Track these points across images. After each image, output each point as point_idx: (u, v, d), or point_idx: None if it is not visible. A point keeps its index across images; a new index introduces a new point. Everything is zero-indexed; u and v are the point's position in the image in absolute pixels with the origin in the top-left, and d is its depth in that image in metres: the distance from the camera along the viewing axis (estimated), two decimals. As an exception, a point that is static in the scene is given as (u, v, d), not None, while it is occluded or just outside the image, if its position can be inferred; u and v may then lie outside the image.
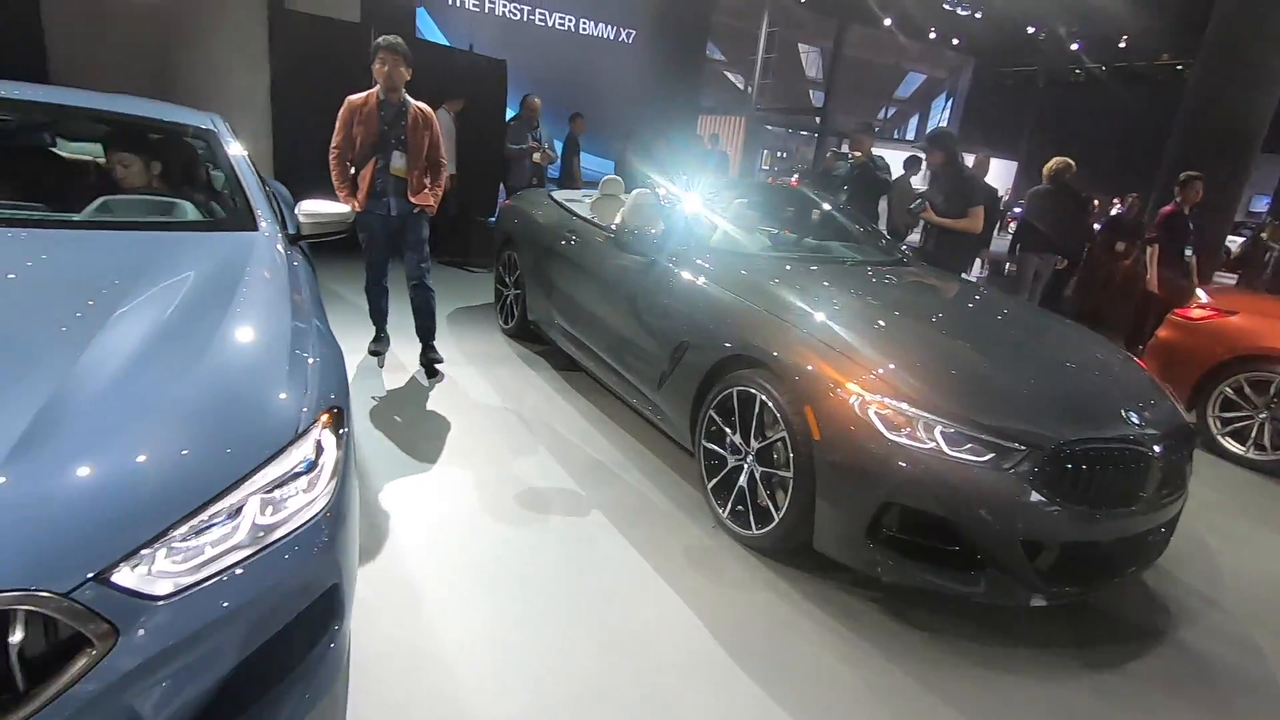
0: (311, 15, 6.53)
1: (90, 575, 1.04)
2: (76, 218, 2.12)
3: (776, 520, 2.43)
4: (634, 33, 16.45)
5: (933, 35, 21.44)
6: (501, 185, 7.32)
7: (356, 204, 3.51)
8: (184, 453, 1.24)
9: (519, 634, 2.01)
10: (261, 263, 2.00)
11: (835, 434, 2.22)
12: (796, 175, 12.86)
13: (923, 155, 6.33)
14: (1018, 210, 12.73)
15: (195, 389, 1.36)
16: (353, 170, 3.57)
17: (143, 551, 1.11)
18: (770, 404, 2.44)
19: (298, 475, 1.33)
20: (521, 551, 2.40)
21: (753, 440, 2.55)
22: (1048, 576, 2.15)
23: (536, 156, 6.92)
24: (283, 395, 1.44)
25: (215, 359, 1.47)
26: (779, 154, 24.49)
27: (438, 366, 3.86)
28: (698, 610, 2.20)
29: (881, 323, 2.68)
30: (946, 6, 18.48)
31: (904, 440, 2.11)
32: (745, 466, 2.60)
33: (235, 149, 2.64)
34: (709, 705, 1.86)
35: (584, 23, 16.52)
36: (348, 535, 1.44)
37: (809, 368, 2.36)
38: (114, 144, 2.56)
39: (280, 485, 1.30)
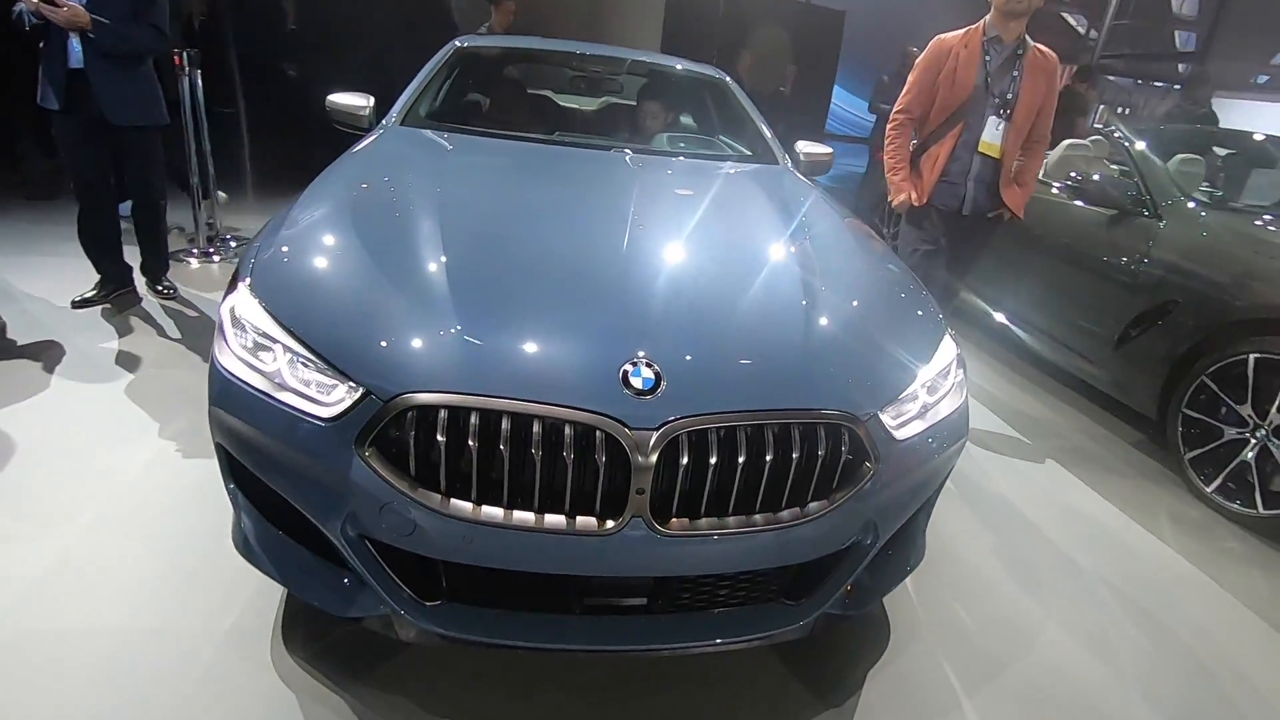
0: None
1: (874, 412, 1.35)
2: (655, 146, 2.61)
3: (1306, 503, 2.21)
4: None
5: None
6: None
7: (914, 195, 2.56)
8: (898, 344, 1.51)
9: (1025, 600, 1.92)
10: (815, 190, 2.29)
11: None
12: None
13: None
14: None
15: (884, 303, 1.63)
16: (912, 144, 2.62)
17: (885, 408, 1.39)
18: (1315, 375, 2.20)
19: (942, 374, 1.55)
20: (985, 485, 2.48)
21: (1274, 413, 2.32)
22: None
23: None
24: (928, 305, 1.68)
25: (875, 272, 1.73)
26: (1119, 109, 20.76)
27: None
28: (1235, 592, 2.06)
29: None
30: None
31: None
32: (1254, 440, 2.39)
33: (744, 97, 3.00)
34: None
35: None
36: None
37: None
38: (652, 92, 3.05)
39: (934, 380, 1.52)
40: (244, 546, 1.40)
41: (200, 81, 3.75)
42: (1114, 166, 3.40)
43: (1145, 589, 2.03)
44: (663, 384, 1.21)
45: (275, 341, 1.27)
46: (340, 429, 1.19)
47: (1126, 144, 3.24)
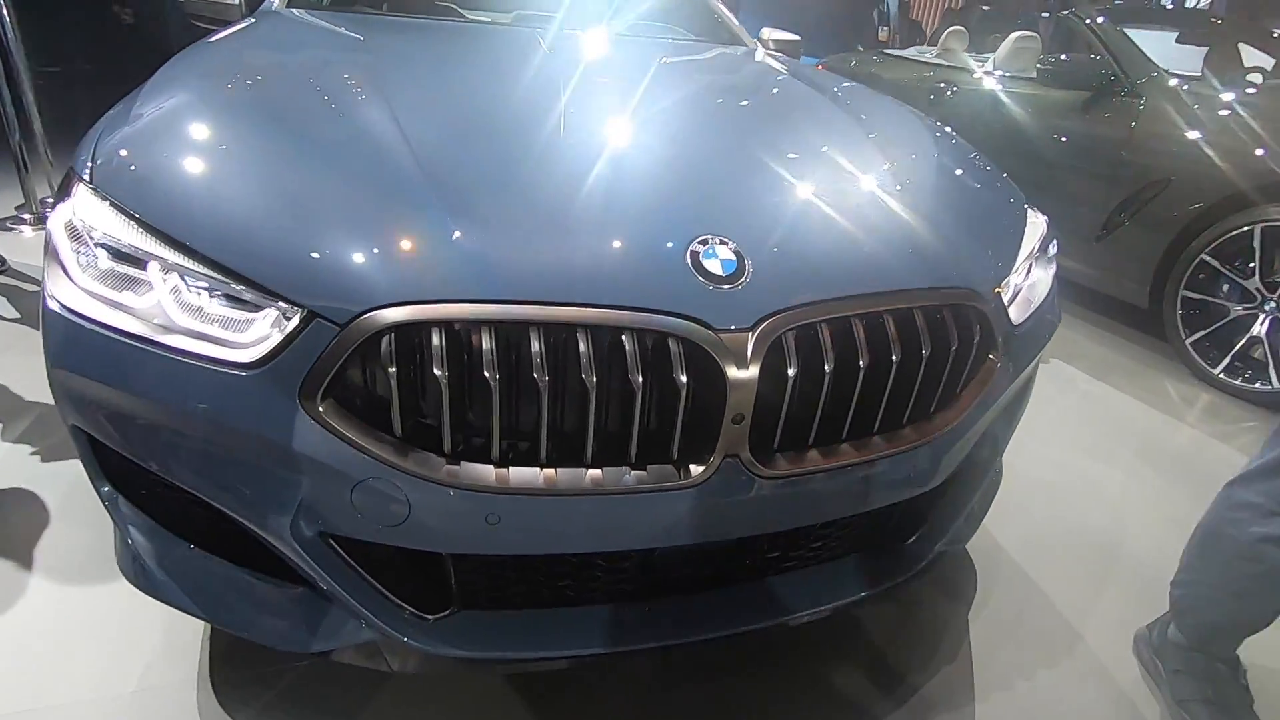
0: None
1: (996, 289, 1.04)
2: (603, 28, 2.16)
3: (1325, 371, 2.12)
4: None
5: None
6: None
7: None
8: (992, 212, 1.22)
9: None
10: (815, 74, 1.94)
11: None
12: None
13: None
14: None
15: (961, 167, 1.32)
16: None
17: (1002, 284, 1.09)
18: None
19: (1038, 249, 1.27)
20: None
21: (1286, 283, 2.22)
22: None
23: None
24: (1001, 175, 1.39)
25: (937, 138, 1.40)
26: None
27: None
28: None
29: None
30: None
31: None
32: (1263, 315, 2.29)
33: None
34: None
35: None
36: None
37: None
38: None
39: (1032, 255, 1.24)
40: (137, 573, 0.96)
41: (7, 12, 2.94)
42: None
43: (1193, 475, 1.89)
44: (747, 266, 0.85)
45: (150, 257, 0.82)
46: (271, 377, 0.77)
47: (1089, 22, 3.06)
